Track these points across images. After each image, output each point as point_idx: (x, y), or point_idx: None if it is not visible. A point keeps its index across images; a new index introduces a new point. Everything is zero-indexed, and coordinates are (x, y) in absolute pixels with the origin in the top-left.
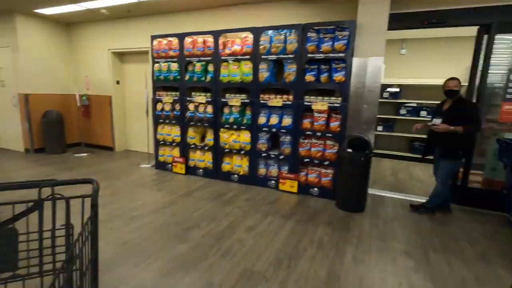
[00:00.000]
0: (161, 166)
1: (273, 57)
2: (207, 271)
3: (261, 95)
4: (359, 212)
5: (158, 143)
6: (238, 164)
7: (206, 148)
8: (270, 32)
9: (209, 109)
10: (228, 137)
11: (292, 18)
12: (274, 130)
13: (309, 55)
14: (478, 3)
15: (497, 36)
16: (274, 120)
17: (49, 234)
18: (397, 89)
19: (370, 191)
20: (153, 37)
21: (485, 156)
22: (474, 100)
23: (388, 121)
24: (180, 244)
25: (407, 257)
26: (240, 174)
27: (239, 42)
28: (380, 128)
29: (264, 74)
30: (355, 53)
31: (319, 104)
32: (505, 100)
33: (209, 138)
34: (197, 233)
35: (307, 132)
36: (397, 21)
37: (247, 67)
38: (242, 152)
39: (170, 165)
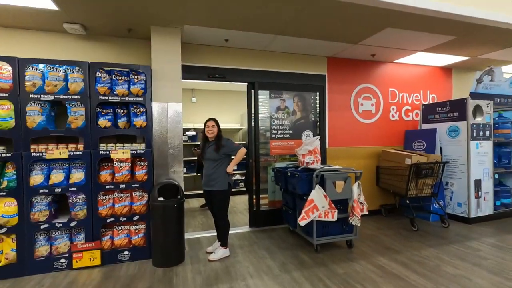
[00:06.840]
0: None
1: (50, 97)
2: None
3: (33, 146)
4: (180, 264)
5: None
6: None
7: None
8: (41, 66)
9: None
10: None
11: (73, 53)
12: (58, 190)
13: (102, 97)
14: (246, 66)
15: (260, 91)
16: (57, 177)
17: None
18: (194, 133)
19: (186, 236)
20: None
21: (267, 182)
22: (252, 140)
23: (190, 163)
24: None
25: None
26: (0, 265)
27: None
28: (184, 170)
29: (36, 118)
30: (154, 98)
31: (120, 152)
32: (271, 139)
33: None
34: None
35: (108, 186)
36: (188, 72)
37: (4, 108)
38: (3, 230)
39: None
